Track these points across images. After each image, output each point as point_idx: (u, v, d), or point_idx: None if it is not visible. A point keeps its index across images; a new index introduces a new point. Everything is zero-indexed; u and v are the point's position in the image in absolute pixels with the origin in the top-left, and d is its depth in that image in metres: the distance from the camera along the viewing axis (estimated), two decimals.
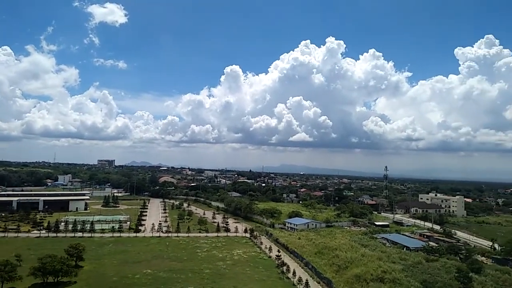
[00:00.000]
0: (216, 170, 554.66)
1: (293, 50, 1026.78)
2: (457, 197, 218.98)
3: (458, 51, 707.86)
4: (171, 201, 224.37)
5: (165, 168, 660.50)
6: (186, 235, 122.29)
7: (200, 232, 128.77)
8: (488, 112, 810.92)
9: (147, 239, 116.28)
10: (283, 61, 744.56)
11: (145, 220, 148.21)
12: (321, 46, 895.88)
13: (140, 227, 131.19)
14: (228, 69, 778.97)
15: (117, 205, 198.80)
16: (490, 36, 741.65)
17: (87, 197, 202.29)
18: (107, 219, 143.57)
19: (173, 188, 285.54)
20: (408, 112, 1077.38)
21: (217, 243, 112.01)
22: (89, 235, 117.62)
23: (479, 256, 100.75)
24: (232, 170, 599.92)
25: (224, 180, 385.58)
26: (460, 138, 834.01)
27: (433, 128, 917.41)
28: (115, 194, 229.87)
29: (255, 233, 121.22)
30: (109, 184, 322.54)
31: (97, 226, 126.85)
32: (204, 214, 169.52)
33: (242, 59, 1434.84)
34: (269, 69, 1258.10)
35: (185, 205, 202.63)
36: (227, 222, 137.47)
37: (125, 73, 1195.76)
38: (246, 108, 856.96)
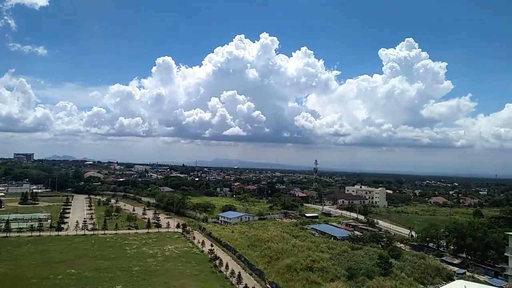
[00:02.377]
0: (147, 165, 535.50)
1: (228, 44, 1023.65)
2: (380, 189, 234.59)
3: (382, 52, 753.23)
4: (98, 197, 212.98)
5: (91, 162, 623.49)
6: (114, 232, 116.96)
7: (129, 229, 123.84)
8: (407, 110, 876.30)
9: (71, 237, 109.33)
10: (217, 54, 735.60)
11: (68, 217, 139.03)
12: (256, 41, 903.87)
13: (62, 225, 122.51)
14: (160, 60, 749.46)
15: (36, 202, 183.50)
16: (410, 39, 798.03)
17: (2, 194, 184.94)
18: (24, 217, 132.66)
19: (99, 183, 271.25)
20: (336, 108, 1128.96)
21: (148, 240, 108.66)
22: (4, 234, 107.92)
23: (398, 243, 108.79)
24: (164, 164, 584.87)
25: (156, 175, 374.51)
26: (383, 134, 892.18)
27: (359, 124, 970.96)
28: (34, 191, 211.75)
29: (187, 228, 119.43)
30: (27, 179, 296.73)
31: (14, 225, 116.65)
32: (133, 210, 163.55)
33: (175, 51, 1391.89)
34: (203, 62, 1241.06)
35: (113, 201, 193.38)
36: (159, 217, 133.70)
37: (45, 60, 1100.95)
38: (178, 101, 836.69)
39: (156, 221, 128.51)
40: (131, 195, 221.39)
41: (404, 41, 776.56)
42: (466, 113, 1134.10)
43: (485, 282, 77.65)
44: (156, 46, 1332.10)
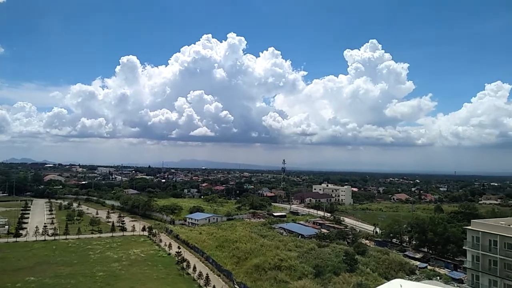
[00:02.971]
0: (111, 167, 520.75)
1: (195, 44, 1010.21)
2: (345, 187, 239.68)
3: (347, 53, 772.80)
4: (59, 201, 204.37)
5: (51, 165, 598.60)
6: (76, 237, 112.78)
7: (92, 233, 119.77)
8: (371, 109, 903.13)
9: (30, 243, 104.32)
10: (184, 54, 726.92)
11: (27, 222, 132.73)
12: (223, 41, 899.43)
13: (21, 231, 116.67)
14: (124, 59, 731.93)
15: None
16: (374, 40, 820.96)
17: None
18: None
19: (61, 187, 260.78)
20: (303, 108, 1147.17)
21: (112, 244, 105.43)
22: None
23: (363, 239, 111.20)
24: (129, 166, 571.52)
25: (120, 177, 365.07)
26: (348, 133, 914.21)
27: (325, 123, 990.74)
28: None
29: (154, 230, 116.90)
30: None
31: None
32: (97, 213, 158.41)
33: (140, 50, 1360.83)
34: (169, 62, 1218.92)
35: (75, 205, 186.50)
36: (123, 221, 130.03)
37: (2, 59, 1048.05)
38: (144, 101, 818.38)
39: (121, 225, 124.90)
40: (95, 198, 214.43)
41: (368, 42, 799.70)
42: (427, 113, 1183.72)
43: (445, 275, 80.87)
44: (120, 45, 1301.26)
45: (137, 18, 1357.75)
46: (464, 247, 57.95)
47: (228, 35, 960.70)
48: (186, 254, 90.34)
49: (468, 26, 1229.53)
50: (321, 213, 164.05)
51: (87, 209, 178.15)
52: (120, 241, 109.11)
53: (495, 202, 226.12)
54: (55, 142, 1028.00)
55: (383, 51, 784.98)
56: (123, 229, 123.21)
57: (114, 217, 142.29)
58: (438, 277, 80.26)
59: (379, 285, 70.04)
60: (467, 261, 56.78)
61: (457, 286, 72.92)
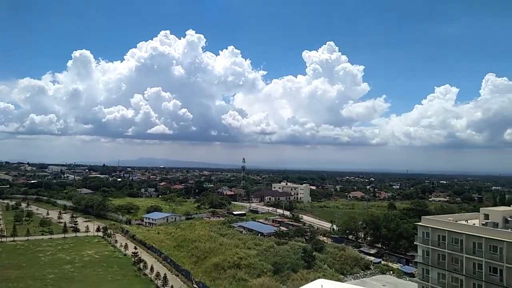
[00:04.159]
0: (62, 165, 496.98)
1: (152, 40, 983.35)
2: (304, 185, 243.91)
3: (306, 54, 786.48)
4: (6, 201, 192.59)
5: None
6: (25, 238, 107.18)
7: (43, 234, 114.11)
8: (329, 110, 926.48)
9: None
10: (141, 49, 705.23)
11: None
12: (181, 38, 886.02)
13: None
14: (76, 54, 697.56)
15: None
16: (331, 42, 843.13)
17: None
18: None
19: (8, 186, 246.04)
20: (263, 107, 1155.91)
21: (64, 245, 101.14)
22: None
23: (321, 236, 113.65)
24: (82, 164, 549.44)
25: (73, 176, 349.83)
26: (306, 132, 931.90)
27: (284, 123, 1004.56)
28: None
29: (109, 231, 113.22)
30: None
31: None
32: (48, 214, 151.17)
33: (93, 44, 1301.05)
34: (124, 57, 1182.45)
35: (23, 205, 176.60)
36: (76, 221, 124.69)
37: None
38: (98, 98, 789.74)
39: (73, 225, 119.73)
40: (45, 198, 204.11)
41: (325, 44, 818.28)
42: (381, 113, 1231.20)
43: (397, 270, 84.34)
44: (72, 38, 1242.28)
45: (91, 11, 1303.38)
46: (415, 243, 60.48)
47: (187, 32, 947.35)
48: (143, 254, 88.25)
49: (421, 31, 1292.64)
50: (280, 211, 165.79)
51: (37, 209, 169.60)
52: (72, 242, 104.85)
53: (444, 199, 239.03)
54: (1, 139, 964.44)
55: (340, 53, 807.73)
56: (76, 230, 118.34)
57: (66, 218, 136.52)
58: (391, 272, 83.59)
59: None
60: (418, 255, 59.31)
61: (409, 280, 76.27)
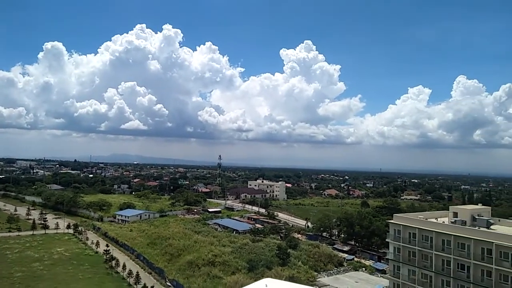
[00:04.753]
0: (32, 160, 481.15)
1: (127, 33, 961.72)
2: (280, 182, 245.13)
3: (283, 52, 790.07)
4: None
5: None
6: None
7: (10, 231, 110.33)
8: (305, 108, 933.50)
9: None
10: (116, 43, 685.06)
11: None
12: (158, 32, 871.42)
13: None
14: (48, 45, 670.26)
15: None
16: (309, 41, 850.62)
17: None
18: None
19: None
20: (240, 105, 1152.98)
21: (33, 242, 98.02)
22: None
23: (296, 233, 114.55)
24: (52, 160, 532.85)
25: (43, 171, 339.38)
26: (283, 130, 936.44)
27: (261, 120, 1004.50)
28: None
29: (80, 228, 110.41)
30: None
31: None
32: (15, 210, 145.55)
33: (65, 36, 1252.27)
34: (98, 50, 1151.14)
35: None
36: (46, 218, 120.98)
37: None
38: (70, 91, 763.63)
39: (43, 222, 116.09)
40: (13, 194, 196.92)
41: (303, 43, 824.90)
42: (356, 113, 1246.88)
43: (369, 266, 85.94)
44: (43, 30, 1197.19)
45: (64, 1, 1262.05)
46: (387, 240, 61.75)
47: (163, 27, 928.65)
48: (116, 252, 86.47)
49: (396, 33, 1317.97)
50: (256, 208, 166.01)
51: (4, 205, 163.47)
52: (41, 240, 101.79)
53: (415, 197, 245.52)
54: None
55: (317, 52, 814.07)
56: (46, 227, 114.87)
57: (35, 214, 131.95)
58: (364, 268, 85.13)
59: (310, 277, 72.57)
60: (389, 252, 60.55)
61: (380, 276, 77.85)
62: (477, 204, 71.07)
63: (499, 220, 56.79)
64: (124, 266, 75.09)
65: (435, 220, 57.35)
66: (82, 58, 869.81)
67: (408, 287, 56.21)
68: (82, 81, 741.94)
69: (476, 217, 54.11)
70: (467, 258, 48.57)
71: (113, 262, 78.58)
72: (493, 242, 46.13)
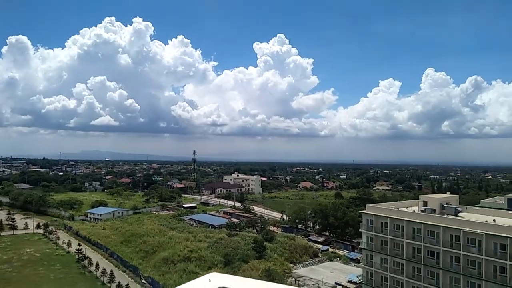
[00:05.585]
0: None
1: (96, 26, 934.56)
2: (255, 176, 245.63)
3: (257, 46, 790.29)
4: None
5: None
6: None
7: None
8: (279, 102, 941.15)
9: None
10: (84, 36, 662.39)
11: None
12: (128, 25, 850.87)
13: None
14: (12, 39, 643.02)
15: None
16: (282, 35, 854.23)
17: None
18: None
19: None
20: (214, 99, 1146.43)
21: (0, 244, 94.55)
22: None
23: (272, 226, 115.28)
24: (20, 158, 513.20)
25: (9, 170, 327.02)
26: (257, 124, 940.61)
27: (235, 114, 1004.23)
28: None
29: (50, 228, 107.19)
30: None
31: None
32: None
33: (31, 29, 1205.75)
34: (66, 44, 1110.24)
35: None
36: (14, 218, 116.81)
37: None
38: (37, 87, 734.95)
39: (10, 223, 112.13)
40: None
41: (276, 36, 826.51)
42: (329, 106, 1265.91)
43: (344, 256, 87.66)
44: (7, 23, 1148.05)
45: None
46: (360, 230, 63.07)
47: (134, 20, 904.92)
48: (88, 251, 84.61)
49: (367, 28, 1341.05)
50: (231, 203, 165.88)
51: None
52: (10, 241, 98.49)
53: (387, 188, 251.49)
54: None
55: (290, 45, 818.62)
56: (14, 227, 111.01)
57: (2, 215, 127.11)
58: (338, 258, 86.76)
59: (286, 269, 73.20)
60: (362, 242, 61.91)
61: (354, 265, 79.49)
62: (446, 193, 73.47)
63: (466, 208, 59.06)
64: (97, 265, 73.58)
65: (406, 210, 59.01)
66: (49, 52, 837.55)
67: (380, 275, 57.72)
68: (49, 76, 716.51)
69: (445, 205, 55.99)
70: (437, 245, 50.23)
71: (86, 261, 76.94)
72: (460, 229, 47.87)
